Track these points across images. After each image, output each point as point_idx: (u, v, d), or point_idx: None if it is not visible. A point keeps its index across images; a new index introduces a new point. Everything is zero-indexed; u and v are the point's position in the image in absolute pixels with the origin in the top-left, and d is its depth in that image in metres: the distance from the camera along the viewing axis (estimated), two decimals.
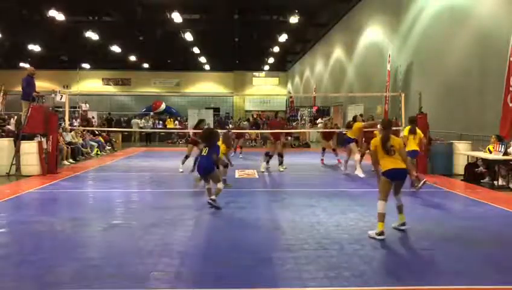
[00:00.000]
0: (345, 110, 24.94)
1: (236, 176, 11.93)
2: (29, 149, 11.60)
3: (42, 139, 11.81)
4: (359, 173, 11.39)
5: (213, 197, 7.61)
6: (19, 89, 13.04)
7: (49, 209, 7.87)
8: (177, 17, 23.18)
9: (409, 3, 16.32)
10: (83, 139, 16.94)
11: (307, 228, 6.37)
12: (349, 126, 12.64)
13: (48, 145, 11.84)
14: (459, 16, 12.99)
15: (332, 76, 28.20)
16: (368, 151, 10.96)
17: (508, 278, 4.53)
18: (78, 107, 24.14)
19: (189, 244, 5.65)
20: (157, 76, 43.49)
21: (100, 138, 18.84)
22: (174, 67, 42.27)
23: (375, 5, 20.14)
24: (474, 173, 10.65)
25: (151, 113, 31.88)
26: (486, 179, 10.39)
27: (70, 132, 16.00)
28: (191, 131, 13.86)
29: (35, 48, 32.39)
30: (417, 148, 9.90)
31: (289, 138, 22.17)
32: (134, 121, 28.87)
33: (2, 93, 23.43)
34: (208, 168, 7.68)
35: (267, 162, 12.70)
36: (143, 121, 28.76)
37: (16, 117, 17.87)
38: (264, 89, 44.61)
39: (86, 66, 41.56)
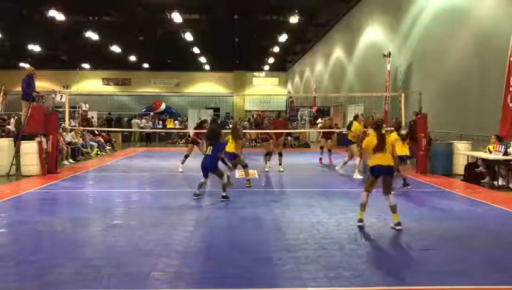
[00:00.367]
0: (345, 110, 24.93)
1: (237, 176, 11.92)
2: (29, 149, 11.60)
3: (42, 139, 11.81)
4: (357, 176, 11.37)
5: (223, 193, 8.25)
6: (19, 89, 13.04)
7: (49, 209, 7.87)
8: (177, 17, 23.18)
9: (409, 3, 16.32)
10: (83, 139, 16.93)
11: (307, 228, 6.37)
12: (350, 127, 12.63)
13: (48, 145, 11.84)
14: (459, 16, 12.98)
15: (332, 76, 28.20)
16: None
17: (508, 278, 4.53)
18: (78, 107, 24.11)
19: (189, 244, 5.65)
20: (157, 76, 43.48)
21: (100, 138, 18.84)
22: (174, 67, 42.25)
23: (375, 5, 20.13)
24: (474, 173, 10.65)
25: (151, 113, 31.89)
26: (486, 179, 10.38)
27: (70, 131, 16.00)
28: (191, 131, 13.86)
29: (35, 48, 32.38)
30: (407, 153, 9.94)
31: (289, 137, 22.23)
32: (134, 121, 28.87)
33: (2, 93, 23.39)
34: (210, 167, 8.15)
35: (267, 161, 12.95)
36: (143, 121, 28.76)
37: (15, 117, 17.88)
38: (264, 89, 44.59)
39: (86, 66, 41.55)
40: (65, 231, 6.41)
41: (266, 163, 12.94)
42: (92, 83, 42.76)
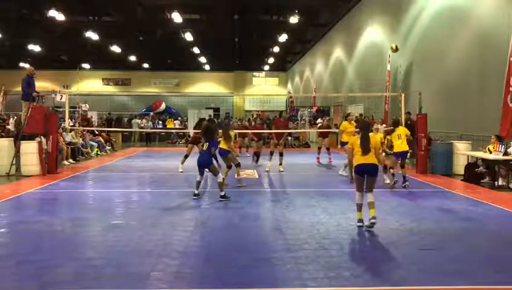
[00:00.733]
0: (345, 110, 24.93)
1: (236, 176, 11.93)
2: (29, 149, 11.59)
3: (42, 139, 11.81)
4: (343, 172, 11.51)
5: (221, 193, 8.29)
6: (19, 89, 13.04)
7: (49, 209, 7.86)
8: (177, 17, 23.18)
9: (409, 3, 16.32)
10: (83, 139, 16.93)
11: (307, 228, 6.37)
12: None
13: (48, 145, 11.84)
14: (459, 16, 12.98)
15: (332, 76, 28.19)
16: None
17: (508, 278, 4.53)
18: (78, 107, 24.12)
19: (189, 244, 5.65)
20: (157, 76, 43.46)
21: (100, 138, 18.83)
22: (174, 67, 42.24)
23: (375, 5, 20.13)
24: (474, 173, 10.65)
25: (151, 113, 31.89)
26: (486, 179, 10.38)
27: (70, 132, 16.00)
28: (191, 131, 13.91)
29: (35, 48, 32.37)
30: (406, 149, 10.07)
31: (289, 138, 22.22)
32: (134, 121, 28.87)
33: (2, 94, 23.43)
34: (205, 162, 8.32)
35: (256, 161, 13.85)
36: (143, 121, 28.77)
37: (15, 117, 17.88)
38: (264, 89, 44.59)
39: (86, 66, 41.54)
40: (65, 231, 6.41)
41: (256, 163, 13.69)
42: (92, 83, 42.75)
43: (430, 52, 14.76)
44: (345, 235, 6.02)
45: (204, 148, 8.44)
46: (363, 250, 5.36)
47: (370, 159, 6.40)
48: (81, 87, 39.71)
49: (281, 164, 12.91)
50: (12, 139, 12.27)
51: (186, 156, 12.35)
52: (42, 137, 11.87)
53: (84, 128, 18.12)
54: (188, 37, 28.65)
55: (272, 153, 12.88)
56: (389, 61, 17.45)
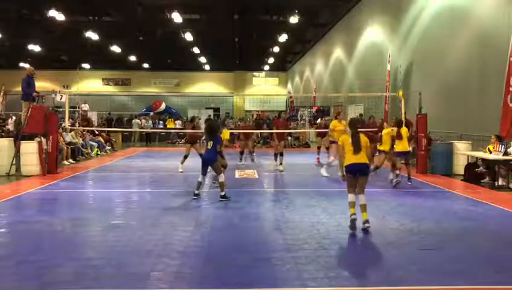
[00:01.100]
0: (345, 110, 24.93)
1: (236, 176, 11.94)
2: (29, 149, 11.59)
3: (42, 139, 11.81)
4: (323, 172, 11.65)
5: (221, 193, 8.33)
6: (19, 89, 13.04)
7: (49, 209, 7.86)
8: (177, 17, 23.18)
9: (409, 3, 16.32)
10: (83, 139, 16.93)
11: (307, 228, 6.37)
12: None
13: (48, 145, 11.84)
14: (459, 16, 12.98)
15: (332, 76, 28.19)
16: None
17: (508, 278, 4.54)
18: (78, 107, 24.11)
19: (189, 244, 5.65)
20: (157, 76, 43.46)
21: (100, 138, 18.83)
22: (174, 67, 42.24)
23: (375, 5, 20.13)
24: (474, 173, 10.65)
25: (151, 113, 31.89)
26: (486, 179, 10.39)
27: (70, 132, 15.99)
28: (188, 131, 13.93)
29: (35, 48, 32.36)
30: (408, 149, 10.36)
31: (289, 137, 22.24)
32: (135, 121, 28.87)
33: (2, 94, 23.42)
34: (210, 159, 8.39)
35: (241, 159, 14.33)
36: (143, 121, 28.76)
37: (14, 117, 17.88)
38: (264, 89, 44.59)
39: (86, 66, 41.54)
40: (65, 231, 6.41)
41: (241, 161, 14.28)
42: (92, 83, 42.75)
43: (430, 52, 14.76)
44: (345, 235, 6.02)
45: (209, 146, 8.47)
46: (363, 250, 5.36)
47: (362, 158, 6.36)
48: (81, 87, 39.70)
49: (281, 164, 12.94)
50: (12, 139, 12.27)
51: (185, 157, 12.37)
52: (42, 137, 11.87)
53: (84, 128, 18.11)
54: (188, 37, 28.64)
55: (276, 155, 13.13)
56: (389, 61, 17.45)
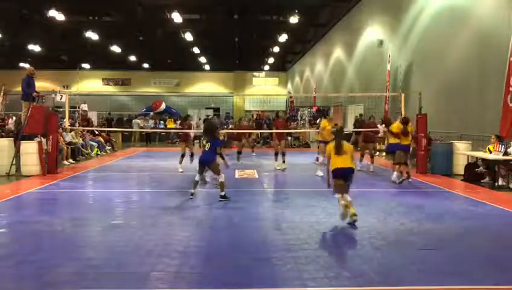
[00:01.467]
0: (345, 110, 24.94)
1: (236, 176, 11.94)
2: (29, 149, 11.59)
3: (42, 139, 11.81)
4: (319, 172, 11.65)
5: (221, 193, 8.31)
6: (19, 89, 13.04)
7: (49, 209, 7.86)
8: (177, 17, 23.18)
9: (409, 3, 16.32)
10: (83, 139, 16.93)
11: (307, 228, 6.37)
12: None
13: (48, 145, 11.84)
14: (459, 16, 12.98)
15: (332, 76, 28.20)
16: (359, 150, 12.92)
17: (508, 278, 4.53)
18: (78, 107, 24.11)
19: (189, 244, 5.65)
20: (157, 76, 43.47)
21: (100, 138, 18.83)
22: (174, 67, 42.26)
23: (375, 5, 20.13)
24: (474, 173, 10.66)
25: (151, 113, 31.87)
26: (486, 179, 10.39)
27: (70, 132, 15.99)
28: (192, 131, 14.03)
29: (35, 48, 32.37)
30: (409, 143, 10.80)
31: (289, 137, 22.24)
32: (135, 121, 28.86)
33: (2, 94, 23.36)
34: (207, 160, 8.37)
35: (238, 158, 14.61)
36: (141, 121, 28.73)
37: (14, 117, 17.87)
38: (264, 89, 44.60)
39: (86, 66, 41.55)
40: (65, 231, 6.41)
41: (239, 160, 14.51)
42: (92, 83, 42.76)
43: (430, 52, 14.76)
44: (345, 235, 6.02)
45: (206, 148, 8.43)
46: (363, 250, 5.35)
47: (347, 163, 6.74)
48: (81, 87, 39.71)
49: (283, 162, 13.02)
50: (12, 139, 12.27)
51: (182, 156, 12.44)
52: (42, 137, 11.87)
53: (84, 128, 18.11)
54: (188, 37, 28.64)
55: (276, 154, 13.15)
56: (389, 61, 17.46)
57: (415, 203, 8.32)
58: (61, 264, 4.83)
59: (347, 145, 6.94)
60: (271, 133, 14.42)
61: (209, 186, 9.86)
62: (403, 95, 14.25)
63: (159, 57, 38.51)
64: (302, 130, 24.90)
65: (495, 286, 4.37)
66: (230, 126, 23.30)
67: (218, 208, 7.84)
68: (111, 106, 36.46)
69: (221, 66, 41.86)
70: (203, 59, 39.49)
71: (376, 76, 19.26)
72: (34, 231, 6.28)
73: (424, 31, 15.26)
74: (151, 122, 28.71)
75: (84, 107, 24.53)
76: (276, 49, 32.43)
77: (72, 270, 4.67)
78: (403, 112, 13.83)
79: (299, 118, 29.30)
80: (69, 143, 15.39)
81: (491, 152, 10.17)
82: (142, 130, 26.52)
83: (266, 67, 43.33)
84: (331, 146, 6.95)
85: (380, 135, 12.12)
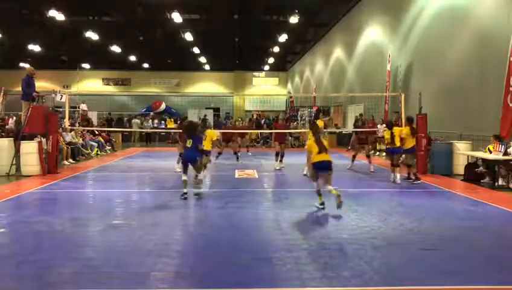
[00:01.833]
0: (345, 110, 24.94)
1: (236, 176, 11.94)
2: (29, 149, 11.59)
3: (42, 139, 11.81)
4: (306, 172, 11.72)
5: (196, 191, 8.58)
6: (19, 89, 13.04)
7: (49, 209, 7.86)
8: (177, 17, 23.18)
9: (409, 3, 16.32)
10: (83, 139, 16.93)
11: (307, 228, 6.37)
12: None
13: (48, 145, 11.84)
14: (459, 16, 12.98)
15: (332, 76, 28.20)
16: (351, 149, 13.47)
17: (508, 278, 4.53)
18: (78, 107, 24.09)
19: (189, 244, 5.65)
20: (157, 76, 43.45)
21: (100, 138, 18.82)
22: (174, 67, 42.24)
23: (375, 5, 20.13)
24: (474, 173, 10.66)
25: (151, 113, 31.86)
26: (486, 179, 10.39)
27: (70, 132, 15.99)
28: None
29: (35, 48, 32.38)
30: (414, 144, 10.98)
31: (289, 137, 22.27)
32: (134, 121, 28.86)
33: (2, 94, 23.35)
34: (191, 158, 8.56)
35: (237, 158, 14.82)
36: (138, 121, 28.72)
37: (14, 117, 17.86)
38: (264, 89, 44.58)
39: (86, 66, 41.54)
40: (65, 231, 6.41)
41: (238, 160, 14.70)
42: (92, 83, 42.75)
43: (430, 52, 14.76)
44: (345, 235, 6.02)
45: (188, 144, 8.60)
46: (363, 250, 5.35)
47: (325, 157, 7.59)
48: (81, 87, 39.70)
49: (281, 161, 13.13)
50: (12, 139, 12.26)
51: (180, 155, 12.45)
52: (42, 137, 11.86)
53: (84, 128, 18.11)
54: (188, 37, 28.64)
55: (277, 154, 13.27)
56: (389, 61, 17.46)
57: (415, 203, 8.32)
58: (61, 264, 4.83)
59: (324, 140, 7.87)
60: (271, 133, 14.49)
61: (210, 185, 9.86)
62: (402, 95, 14.24)
63: (159, 57, 38.49)
64: (302, 130, 24.89)
65: (495, 286, 4.37)
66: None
67: (218, 208, 7.85)
68: (111, 106, 36.41)
69: (221, 66, 41.85)
70: (203, 59, 39.48)
71: (376, 76, 19.26)
72: (34, 231, 6.28)
73: (424, 31, 15.25)
74: (150, 123, 28.70)
75: (84, 107, 24.51)
76: (276, 49, 32.42)
77: (72, 270, 4.67)
78: (403, 112, 13.83)
79: (299, 118, 29.28)
80: (69, 143, 15.39)
81: (491, 152, 10.17)
82: (142, 130, 26.51)
83: (266, 67, 43.32)
84: (312, 143, 7.76)
85: (379, 134, 12.15)
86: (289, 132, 15.36)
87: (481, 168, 10.59)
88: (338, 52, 26.56)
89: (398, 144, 10.61)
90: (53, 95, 14.67)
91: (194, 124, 9.37)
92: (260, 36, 29.84)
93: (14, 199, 8.62)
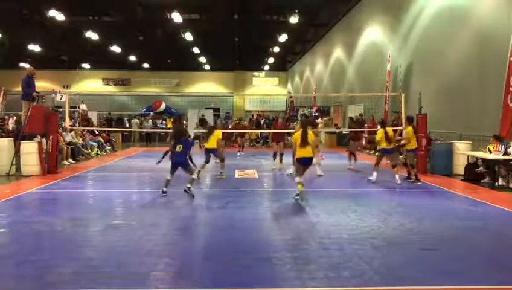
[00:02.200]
0: (345, 110, 24.94)
1: (236, 176, 11.94)
2: (29, 149, 11.59)
3: (42, 139, 11.81)
4: (319, 171, 11.71)
5: (188, 185, 8.60)
6: (19, 89, 13.04)
7: (49, 209, 7.86)
8: (177, 17, 23.19)
9: (409, 3, 16.32)
10: (83, 139, 16.92)
11: (307, 228, 6.37)
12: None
13: (48, 145, 11.84)
14: (459, 16, 12.98)
15: (332, 76, 28.20)
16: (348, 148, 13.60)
17: (508, 278, 4.53)
18: (78, 107, 24.10)
19: (189, 244, 5.65)
20: (157, 76, 43.46)
21: (100, 138, 18.82)
22: (174, 67, 42.25)
23: (375, 5, 20.13)
24: (474, 173, 10.66)
25: (151, 113, 31.85)
26: (486, 179, 10.39)
27: (70, 132, 15.99)
28: (192, 131, 14.20)
29: (35, 48, 32.38)
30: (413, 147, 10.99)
31: (289, 138, 22.27)
32: (134, 121, 28.86)
33: (2, 94, 23.34)
34: (182, 163, 8.80)
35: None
36: (137, 120, 28.72)
37: (14, 117, 17.86)
38: (264, 89, 44.61)
39: (86, 66, 41.55)
40: (65, 231, 6.41)
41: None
42: (92, 83, 42.76)
43: (430, 52, 14.76)
44: (345, 235, 6.02)
45: (179, 149, 8.76)
46: (363, 250, 5.35)
47: (308, 153, 8.10)
48: (81, 87, 39.71)
49: (280, 161, 13.13)
50: (12, 139, 12.26)
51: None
52: (42, 137, 11.86)
53: (84, 128, 18.10)
54: (188, 37, 28.64)
55: (274, 155, 13.29)
56: (389, 61, 17.46)
57: (415, 203, 8.32)
58: (61, 264, 4.83)
59: (310, 135, 8.18)
60: (270, 134, 14.57)
61: (210, 185, 9.87)
62: (402, 95, 14.25)
63: (159, 57, 38.49)
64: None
65: (495, 286, 4.37)
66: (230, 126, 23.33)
67: (218, 208, 7.85)
68: (111, 106, 36.41)
69: (221, 66, 41.86)
70: (203, 59, 39.49)
71: (376, 76, 19.26)
72: (34, 231, 6.28)
73: (424, 31, 15.25)
74: (150, 123, 28.70)
75: (84, 107, 24.52)
76: (276, 49, 32.43)
77: (72, 270, 4.67)
78: (403, 112, 13.83)
79: (299, 118, 29.27)
80: (69, 143, 15.39)
81: (491, 152, 10.17)
82: (142, 130, 26.51)
83: (266, 67, 43.34)
84: (297, 136, 8.11)
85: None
86: (287, 132, 15.39)
87: (481, 168, 10.59)
88: (338, 52, 26.56)
89: (392, 145, 10.60)
90: (53, 95, 14.67)
91: (182, 130, 9.60)
92: (260, 36, 29.85)
93: (14, 199, 8.62)
